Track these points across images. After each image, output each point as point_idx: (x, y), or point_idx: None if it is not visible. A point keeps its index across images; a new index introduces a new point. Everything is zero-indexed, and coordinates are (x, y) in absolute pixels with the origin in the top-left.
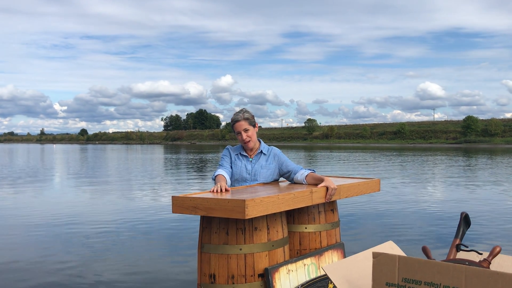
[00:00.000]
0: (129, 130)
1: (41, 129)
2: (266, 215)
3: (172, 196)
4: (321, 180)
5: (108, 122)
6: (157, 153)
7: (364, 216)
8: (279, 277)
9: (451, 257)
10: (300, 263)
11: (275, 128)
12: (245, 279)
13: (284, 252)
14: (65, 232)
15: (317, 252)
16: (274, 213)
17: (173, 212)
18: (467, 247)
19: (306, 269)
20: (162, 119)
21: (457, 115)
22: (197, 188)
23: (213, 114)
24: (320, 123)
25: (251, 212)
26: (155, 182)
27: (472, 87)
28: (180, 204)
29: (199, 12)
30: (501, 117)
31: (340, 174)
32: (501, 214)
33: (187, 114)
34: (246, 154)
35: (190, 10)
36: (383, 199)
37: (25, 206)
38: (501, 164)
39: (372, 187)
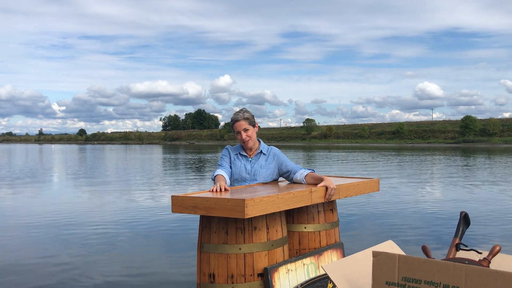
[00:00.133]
0: (127, 130)
1: (39, 129)
2: (266, 215)
3: (172, 196)
4: (321, 180)
5: (106, 122)
6: (156, 153)
7: (363, 216)
8: (279, 277)
9: (451, 256)
10: (299, 262)
11: (274, 128)
12: (245, 279)
13: (283, 251)
14: (64, 233)
15: (317, 251)
16: (274, 213)
17: (172, 211)
18: (467, 246)
19: (305, 269)
20: (160, 119)
21: (456, 115)
22: (196, 188)
23: (211, 114)
24: (318, 123)
25: (251, 211)
26: (154, 182)
27: (470, 87)
28: (180, 204)
29: (197, 12)
30: (499, 116)
31: (338, 174)
32: (500, 214)
33: (186, 114)
34: (246, 154)
35: (189, 10)
36: (382, 199)
37: (24, 207)
38: (499, 164)
39: (372, 186)
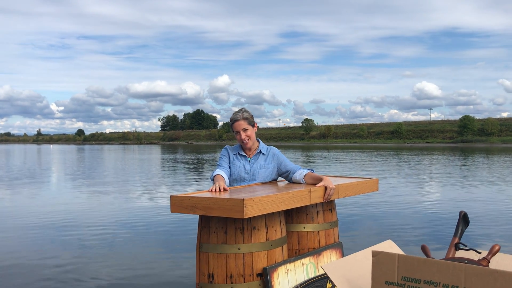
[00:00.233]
0: (126, 131)
1: (37, 129)
2: (265, 215)
3: (171, 196)
4: (320, 180)
5: (105, 123)
6: (154, 153)
7: (362, 215)
8: (278, 277)
9: (450, 256)
10: (298, 262)
11: (272, 128)
12: (244, 279)
13: (282, 251)
14: (62, 234)
15: (316, 251)
16: (273, 213)
17: (171, 211)
18: (466, 246)
19: (304, 269)
20: (159, 119)
21: (454, 115)
22: (195, 188)
23: (210, 114)
24: (317, 123)
25: (250, 211)
26: (153, 182)
27: (468, 87)
28: (178, 204)
29: (196, 12)
30: (498, 116)
31: (337, 174)
32: (499, 213)
33: (184, 114)
34: (245, 154)
35: (187, 10)
36: (381, 199)
37: (22, 207)
38: (497, 164)
39: (371, 186)
